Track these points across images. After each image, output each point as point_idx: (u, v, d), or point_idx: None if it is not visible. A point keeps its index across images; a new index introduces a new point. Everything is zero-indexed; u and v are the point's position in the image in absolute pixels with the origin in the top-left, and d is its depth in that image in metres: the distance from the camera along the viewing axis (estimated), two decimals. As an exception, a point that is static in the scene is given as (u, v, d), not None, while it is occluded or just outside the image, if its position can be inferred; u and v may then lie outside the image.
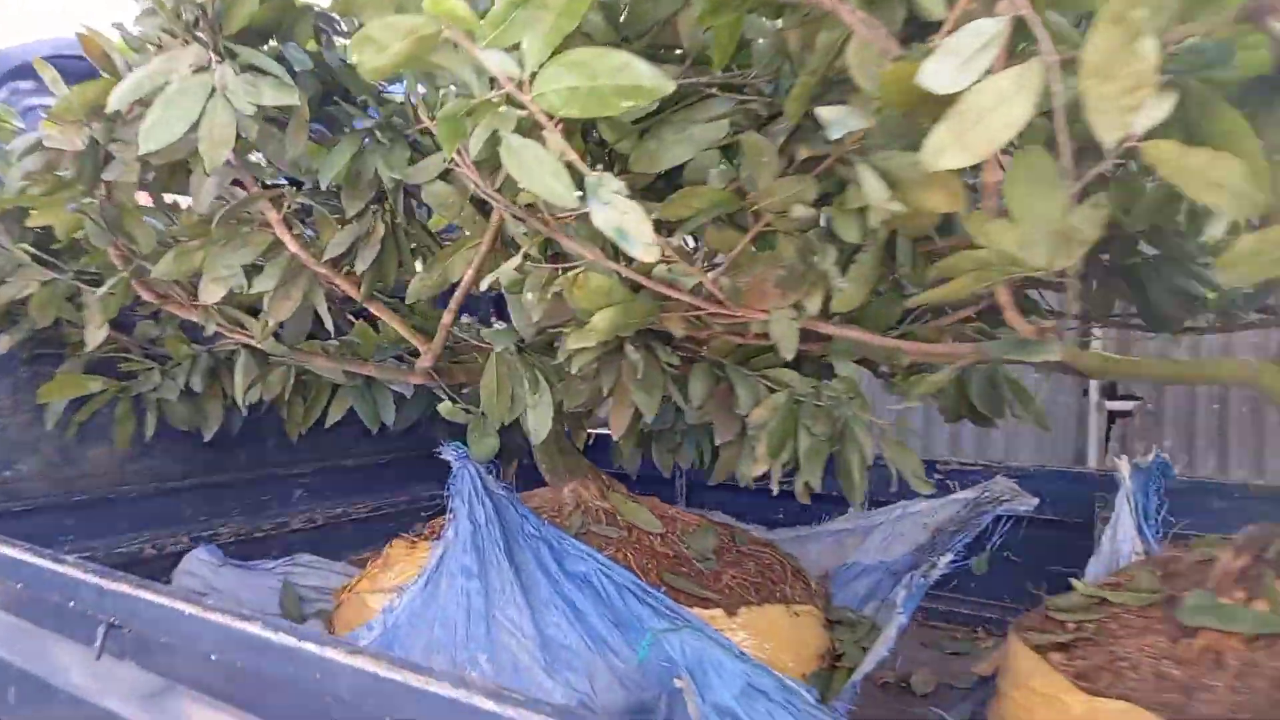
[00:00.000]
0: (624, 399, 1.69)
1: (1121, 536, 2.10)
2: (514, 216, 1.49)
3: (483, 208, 1.71)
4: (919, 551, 2.39)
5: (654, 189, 1.66)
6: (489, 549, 1.96)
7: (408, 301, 1.76)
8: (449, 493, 2.04)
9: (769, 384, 1.67)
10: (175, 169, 1.93)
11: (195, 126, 1.54)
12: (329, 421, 2.48)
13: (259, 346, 2.19)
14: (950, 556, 2.19)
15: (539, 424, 1.79)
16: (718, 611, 1.97)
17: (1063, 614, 1.59)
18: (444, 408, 1.91)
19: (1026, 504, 2.32)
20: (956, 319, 1.87)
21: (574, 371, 1.59)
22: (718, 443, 1.69)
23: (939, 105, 1.16)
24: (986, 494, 2.40)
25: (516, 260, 1.36)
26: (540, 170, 1.26)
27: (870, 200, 1.20)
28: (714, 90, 1.54)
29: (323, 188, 1.68)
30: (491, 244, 1.70)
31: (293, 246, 1.77)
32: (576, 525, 2.09)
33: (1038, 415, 1.98)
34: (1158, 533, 2.15)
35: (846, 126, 1.17)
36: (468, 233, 1.71)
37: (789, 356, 1.44)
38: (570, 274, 1.50)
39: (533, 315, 1.62)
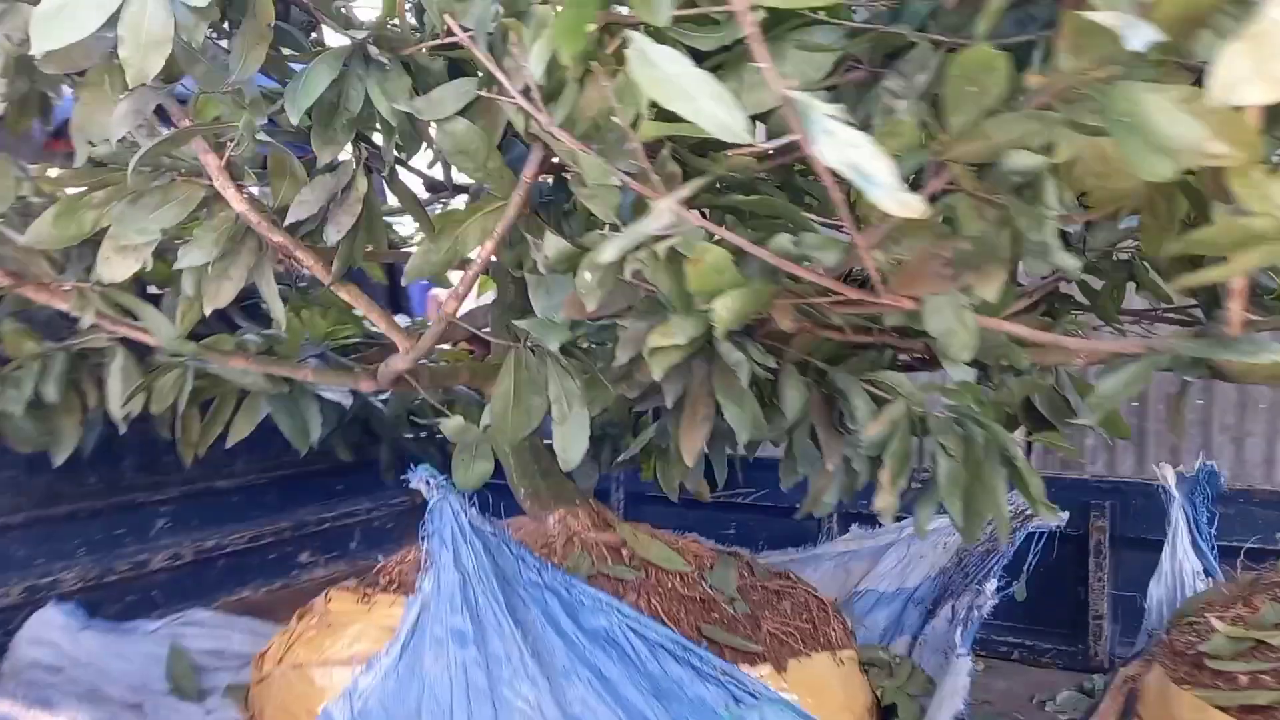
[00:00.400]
0: (699, 412, 1.31)
1: (1181, 554, 1.90)
2: (588, 164, 1.08)
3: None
4: (945, 576, 2.12)
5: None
6: (485, 606, 1.53)
7: (405, 281, 1.31)
8: (427, 531, 1.59)
9: (875, 391, 1.34)
10: (26, 103, 1.42)
11: (113, 22, 1.06)
12: (233, 439, 1.96)
13: (150, 344, 1.67)
14: (995, 582, 1.94)
15: (571, 445, 1.38)
16: (766, 668, 1.62)
17: (1222, 663, 1.33)
18: (451, 426, 1.46)
19: (1057, 518, 2.09)
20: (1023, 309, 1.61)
21: (658, 377, 1.20)
22: (828, 467, 1.34)
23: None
24: (1010, 508, 2.16)
25: (655, 226, 0.94)
26: (698, 91, 0.88)
27: (1172, 143, 0.88)
28: (818, 15, 1.20)
29: (294, 123, 1.21)
30: (522, 207, 1.28)
31: (238, 205, 1.28)
32: (585, 567, 1.69)
33: (1112, 421, 1.74)
34: (1212, 548, 1.97)
35: (1144, 37, 0.85)
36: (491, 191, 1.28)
37: (966, 357, 1.11)
38: (663, 246, 1.10)
39: (588, 303, 1.21)
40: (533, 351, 1.40)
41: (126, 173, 1.30)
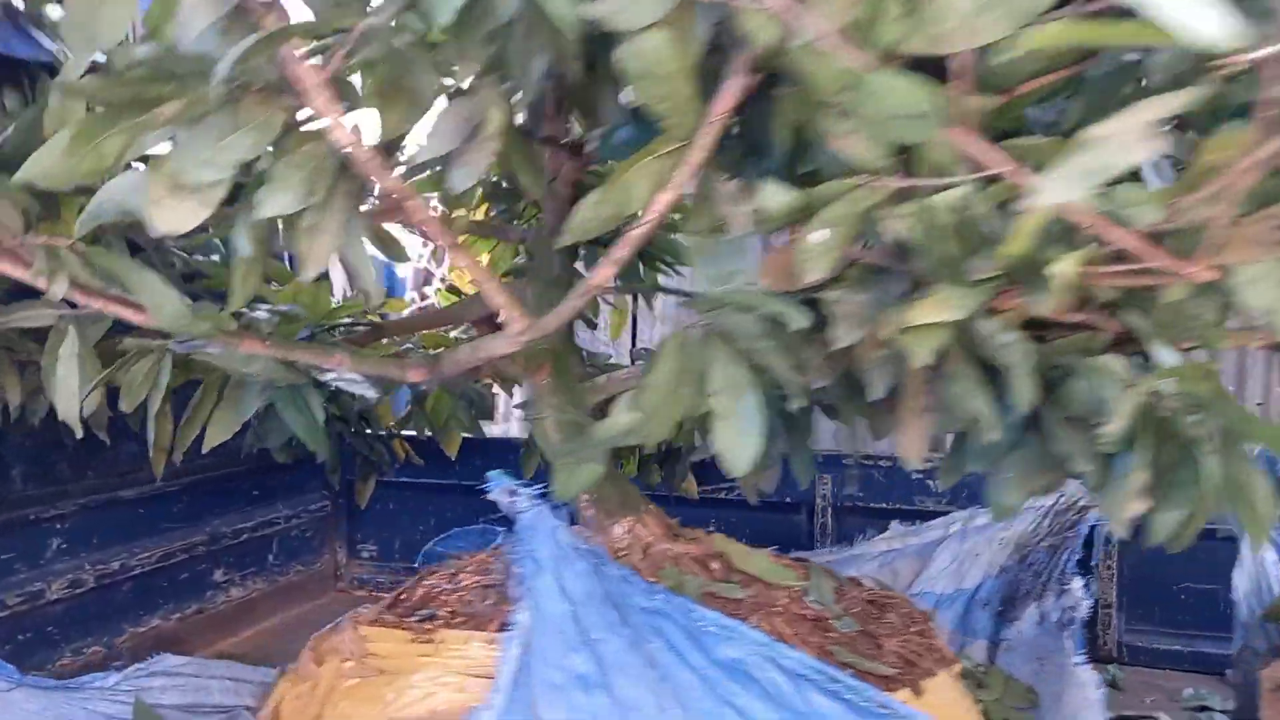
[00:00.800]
0: (918, 402, 1.09)
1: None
2: (884, 88, 0.84)
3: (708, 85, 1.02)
4: (1008, 574, 1.99)
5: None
6: (604, 640, 1.25)
7: (564, 242, 1.02)
8: (518, 552, 1.30)
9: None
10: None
11: None
12: (211, 442, 1.57)
13: (136, 324, 1.29)
14: (1081, 582, 1.82)
15: (740, 444, 1.12)
16: (905, 692, 1.42)
17: None
18: (621, 424, 1.15)
19: (1115, 510, 2.00)
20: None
21: (918, 364, 0.96)
22: (1078, 470, 1.14)
23: None
24: (1063, 500, 2.06)
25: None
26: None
27: None
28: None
29: (434, 30, 0.90)
30: (712, 150, 1.02)
31: (343, 136, 0.96)
32: (693, 587, 1.43)
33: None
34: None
35: None
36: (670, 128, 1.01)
37: (1305, 335, 0.94)
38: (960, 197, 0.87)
39: (811, 271, 0.97)
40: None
41: (164, 88, 0.96)
